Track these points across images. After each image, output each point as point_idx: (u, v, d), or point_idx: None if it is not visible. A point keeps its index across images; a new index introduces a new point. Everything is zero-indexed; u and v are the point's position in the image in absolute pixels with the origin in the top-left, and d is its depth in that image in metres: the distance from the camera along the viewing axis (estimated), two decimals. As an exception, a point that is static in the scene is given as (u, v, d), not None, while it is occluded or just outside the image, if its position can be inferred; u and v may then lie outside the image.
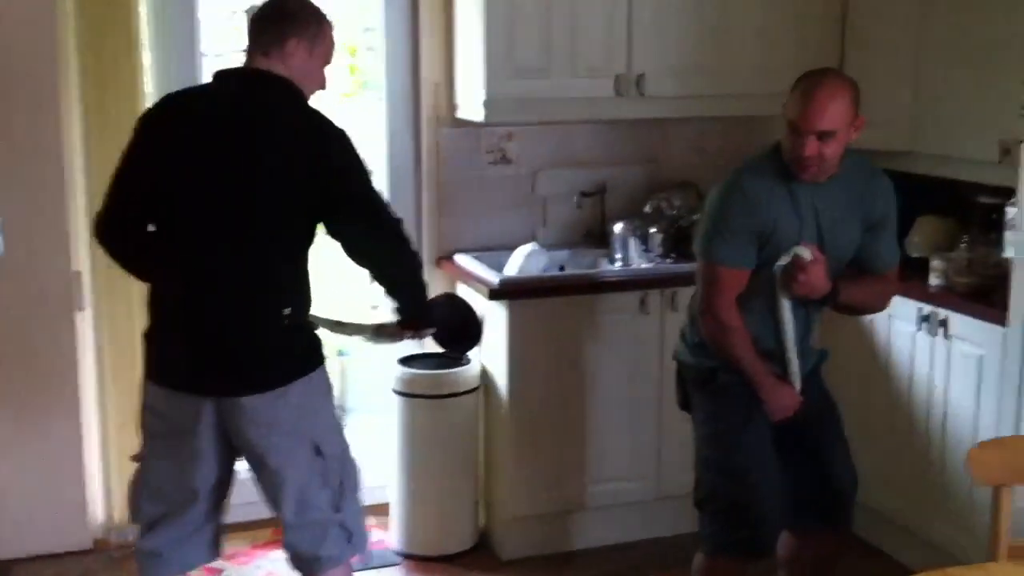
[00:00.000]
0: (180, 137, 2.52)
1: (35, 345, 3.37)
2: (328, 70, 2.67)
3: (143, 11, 3.60)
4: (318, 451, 2.58)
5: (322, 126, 2.55)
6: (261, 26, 2.59)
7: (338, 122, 2.58)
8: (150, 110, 2.65)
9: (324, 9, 2.66)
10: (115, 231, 2.62)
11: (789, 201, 2.73)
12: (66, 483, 3.46)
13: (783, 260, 2.71)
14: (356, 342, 4.58)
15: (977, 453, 2.34)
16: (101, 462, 3.70)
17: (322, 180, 2.49)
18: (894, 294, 3.01)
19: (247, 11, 4.19)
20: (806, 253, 2.69)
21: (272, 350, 2.54)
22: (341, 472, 2.63)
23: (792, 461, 2.92)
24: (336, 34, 2.68)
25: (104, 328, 3.65)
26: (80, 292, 3.41)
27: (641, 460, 3.83)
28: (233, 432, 2.56)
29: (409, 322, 2.82)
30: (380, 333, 2.86)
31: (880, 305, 2.99)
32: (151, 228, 2.59)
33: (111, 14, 3.50)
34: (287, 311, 2.53)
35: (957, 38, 3.52)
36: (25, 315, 3.35)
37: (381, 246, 2.64)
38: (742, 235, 2.72)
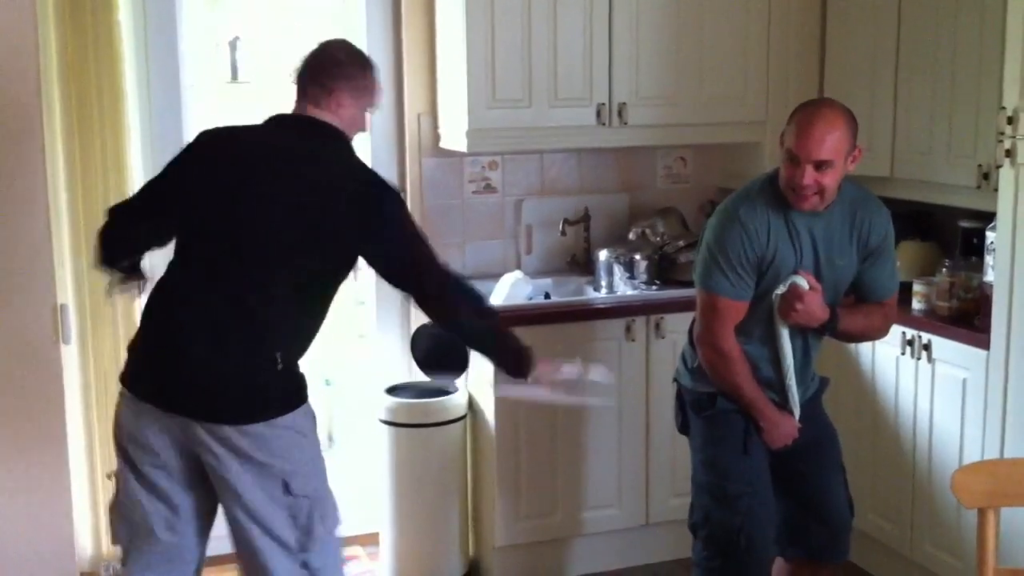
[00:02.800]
0: (238, 170, 2.55)
1: (20, 379, 3.35)
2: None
3: (126, 44, 3.61)
4: (287, 489, 2.54)
5: (373, 182, 2.58)
6: (311, 76, 2.61)
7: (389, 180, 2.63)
8: (207, 132, 2.67)
9: (367, 54, 2.71)
10: (126, 222, 2.68)
11: (786, 231, 2.74)
12: (52, 516, 3.43)
13: (780, 289, 2.73)
14: (341, 372, 4.58)
15: (961, 476, 2.35)
16: (89, 495, 3.68)
17: (368, 237, 2.52)
18: (894, 321, 3.03)
19: (230, 43, 4.25)
20: (803, 282, 2.71)
21: (255, 388, 2.51)
22: (311, 511, 2.57)
23: (790, 490, 2.93)
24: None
25: (90, 361, 3.63)
26: (65, 325, 3.39)
27: (629, 487, 3.84)
28: (204, 459, 2.52)
29: (511, 371, 2.77)
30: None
31: (881, 332, 3.01)
32: (154, 248, 2.67)
33: (94, 48, 3.51)
34: (279, 354, 2.51)
35: (935, 65, 3.56)
36: (9, 349, 3.33)
37: (436, 305, 2.66)
38: (740, 267, 2.73)
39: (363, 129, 2.70)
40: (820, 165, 2.63)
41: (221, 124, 2.72)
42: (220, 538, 2.72)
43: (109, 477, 2.71)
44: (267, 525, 2.55)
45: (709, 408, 2.90)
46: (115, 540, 2.70)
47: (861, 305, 2.91)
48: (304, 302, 2.57)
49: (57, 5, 3.46)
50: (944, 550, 3.41)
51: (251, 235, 2.50)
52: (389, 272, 2.62)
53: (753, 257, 2.73)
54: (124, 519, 2.63)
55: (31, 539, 3.42)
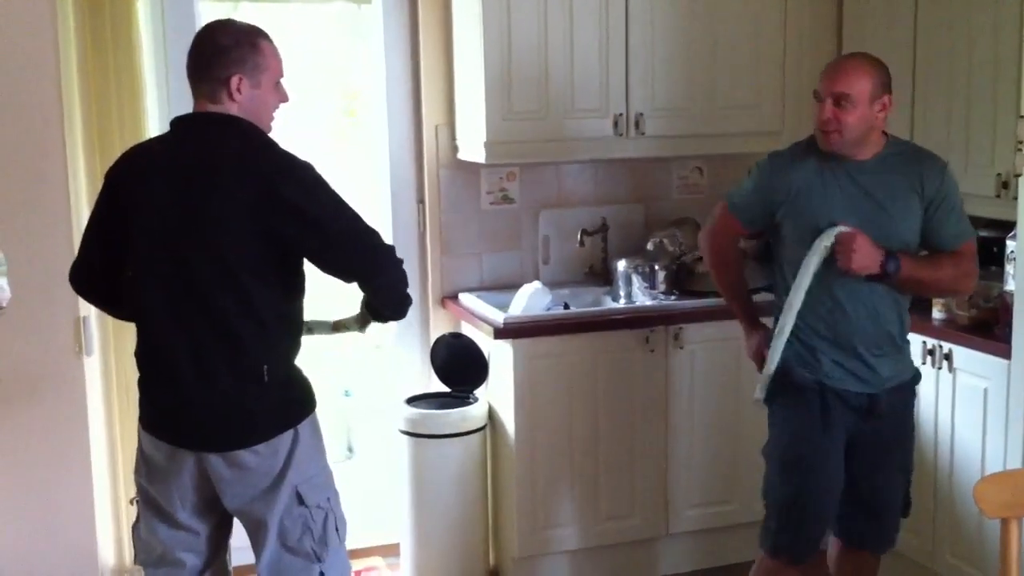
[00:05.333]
0: (137, 191, 2.49)
1: (43, 390, 3.38)
2: (285, 81, 2.57)
3: (145, 52, 3.63)
4: (301, 500, 2.54)
5: (274, 163, 2.45)
6: (199, 71, 2.49)
7: (301, 156, 2.48)
8: (114, 164, 2.61)
9: (259, 25, 2.55)
10: (83, 283, 2.68)
11: (816, 176, 2.81)
12: (76, 528, 3.46)
13: (826, 241, 2.74)
14: (361, 382, 4.59)
15: (983, 486, 2.34)
16: (112, 507, 3.70)
17: (281, 219, 2.40)
18: (971, 272, 2.91)
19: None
20: (845, 227, 2.74)
21: (253, 407, 2.48)
22: (324, 522, 2.58)
23: (851, 477, 2.93)
24: (286, 60, 2.56)
25: (112, 373, 3.66)
26: (87, 337, 3.42)
27: (648, 498, 3.83)
28: (216, 484, 2.53)
29: (376, 317, 2.69)
30: (338, 327, 2.76)
31: (962, 282, 2.92)
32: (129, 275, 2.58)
33: (114, 58, 3.54)
34: (266, 367, 2.46)
35: (951, 74, 3.56)
36: (32, 361, 3.36)
37: (365, 273, 2.53)
38: (754, 192, 2.93)
39: (284, 100, 2.56)
40: (839, 99, 2.73)
41: (127, 150, 2.65)
42: (241, 549, 2.75)
43: (132, 503, 2.72)
44: (285, 539, 2.56)
45: (785, 380, 2.89)
46: (138, 561, 2.72)
47: (932, 255, 2.88)
48: (275, 302, 2.49)
49: (77, 23, 3.49)
50: (966, 561, 3.40)
51: (190, 253, 2.43)
52: (319, 245, 2.45)
53: (767, 189, 2.88)
54: (146, 548, 2.66)
55: (54, 550, 3.44)
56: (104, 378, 3.65)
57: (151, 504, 2.61)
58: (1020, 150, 3.00)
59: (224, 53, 2.46)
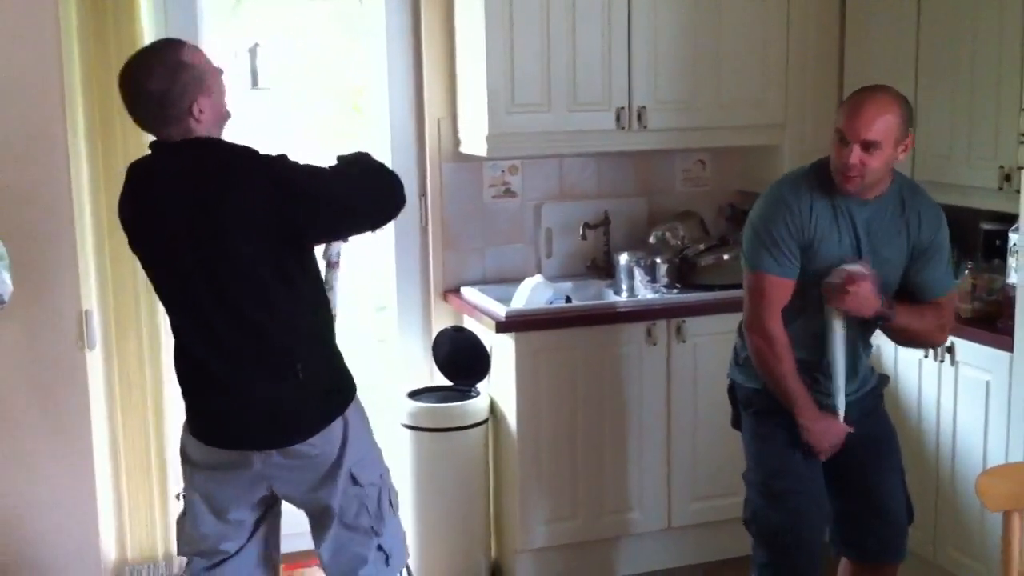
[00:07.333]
0: (150, 225, 2.54)
1: (45, 384, 3.39)
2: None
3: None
4: (355, 481, 2.62)
5: (264, 162, 2.48)
6: (155, 122, 2.48)
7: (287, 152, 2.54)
8: (120, 204, 2.61)
9: (200, 48, 2.57)
10: None
11: (831, 214, 2.74)
12: (78, 522, 3.46)
13: (833, 278, 2.70)
14: (363, 376, 4.60)
15: (986, 479, 2.34)
16: (114, 501, 3.71)
17: (291, 205, 2.43)
18: (950, 324, 2.94)
19: (250, 50, 4.27)
20: (857, 267, 2.69)
21: (295, 406, 2.54)
22: (379, 497, 2.67)
23: (845, 488, 2.90)
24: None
25: (115, 366, 3.66)
26: (90, 331, 3.42)
27: (650, 491, 3.83)
28: (273, 480, 2.60)
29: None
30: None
31: (938, 335, 2.93)
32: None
33: (117, 57, 3.52)
34: (299, 365, 2.51)
35: (955, 66, 3.55)
36: (35, 354, 3.37)
37: (376, 213, 2.69)
38: (784, 243, 2.73)
39: (229, 112, 2.57)
40: (868, 146, 2.61)
41: (129, 173, 2.63)
42: (289, 536, 2.81)
43: (178, 498, 2.79)
44: (342, 517, 2.63)
45: (757, 404, 2.89)
46: (180, 552, 2.78)
47: (916, 304, 2.84)
48: (299, 300, 2.53)
49: (80, 17, 3.49)
50: (968, 554, 3.40)
51: (208, 270, 2.46)
52: (324, 212, 2.51)
53: (796, 233, 2.72)
54: (189, 541, 2.71)
55: (57, 544, 3.45)
56: (106, 372, 3.66)
57: (200, 502, 2.66)
58: (1023, 143, 3.00)
59: (168, 95, 2.43)
